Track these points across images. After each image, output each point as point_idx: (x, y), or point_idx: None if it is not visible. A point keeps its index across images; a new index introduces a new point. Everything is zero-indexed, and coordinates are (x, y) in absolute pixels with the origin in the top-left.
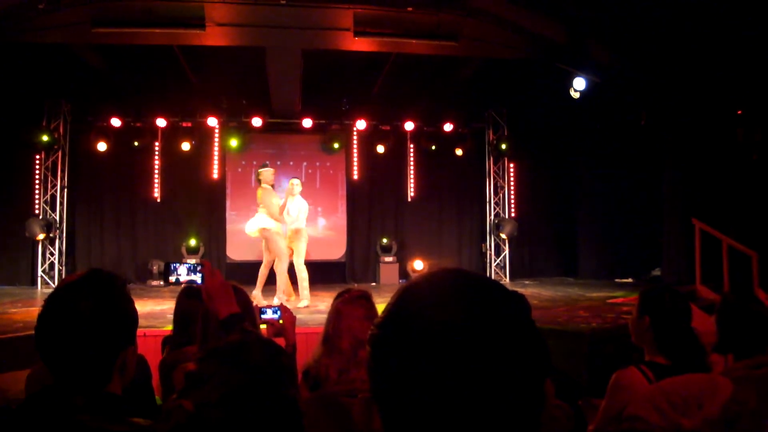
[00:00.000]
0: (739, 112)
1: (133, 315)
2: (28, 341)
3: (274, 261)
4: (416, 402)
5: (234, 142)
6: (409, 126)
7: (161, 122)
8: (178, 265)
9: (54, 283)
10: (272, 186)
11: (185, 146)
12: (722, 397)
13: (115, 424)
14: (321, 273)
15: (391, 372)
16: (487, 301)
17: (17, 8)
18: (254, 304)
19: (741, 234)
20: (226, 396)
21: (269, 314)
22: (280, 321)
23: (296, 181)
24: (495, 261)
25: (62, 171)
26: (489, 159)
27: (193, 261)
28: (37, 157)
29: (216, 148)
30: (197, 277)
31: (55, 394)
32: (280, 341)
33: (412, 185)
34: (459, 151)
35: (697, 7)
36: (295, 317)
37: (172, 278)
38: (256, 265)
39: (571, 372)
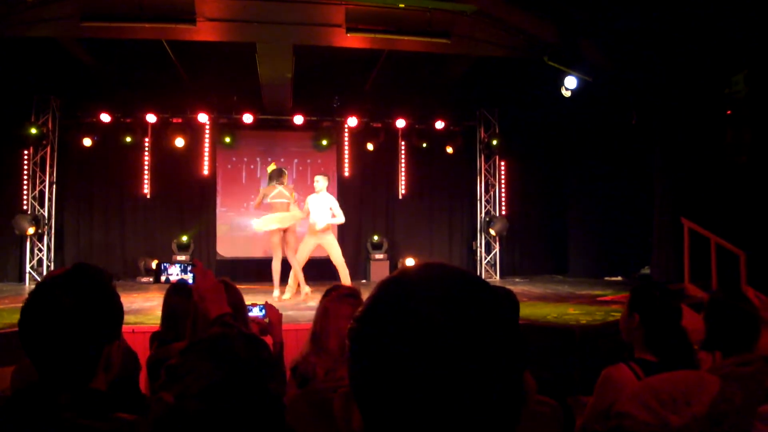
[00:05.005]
0: (729, 112)
1: (118, 310)
2: (14, 337)
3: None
4: (394, 396)
5: (228, 139)
6: (400, 123)
7: (151, 118)
8: (168, 265)
9: None
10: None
11: (179, 142)
12: (710, 394)
13: (99, 421)
14: (311, 270)
15: (369, 366)
16: (465, 295)
17: (5, 2)
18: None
19: (730, 233)
20: (206, 388)
21: (255, 312)
22: (266, 319)
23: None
24: (485, 259)
25: (51, 167)
26: (480, 157)
27: (183, 258)
28: (26, 152)
29: (207, 145)
30: (188, 277)
31: (40, 391)
32: (268, 340)
33: (403, 183)
34: (450, 149)
35: (689, 8)
36: (281, 315)
37: (163, 278)
38: (246, 261)
39: (561, 369)
